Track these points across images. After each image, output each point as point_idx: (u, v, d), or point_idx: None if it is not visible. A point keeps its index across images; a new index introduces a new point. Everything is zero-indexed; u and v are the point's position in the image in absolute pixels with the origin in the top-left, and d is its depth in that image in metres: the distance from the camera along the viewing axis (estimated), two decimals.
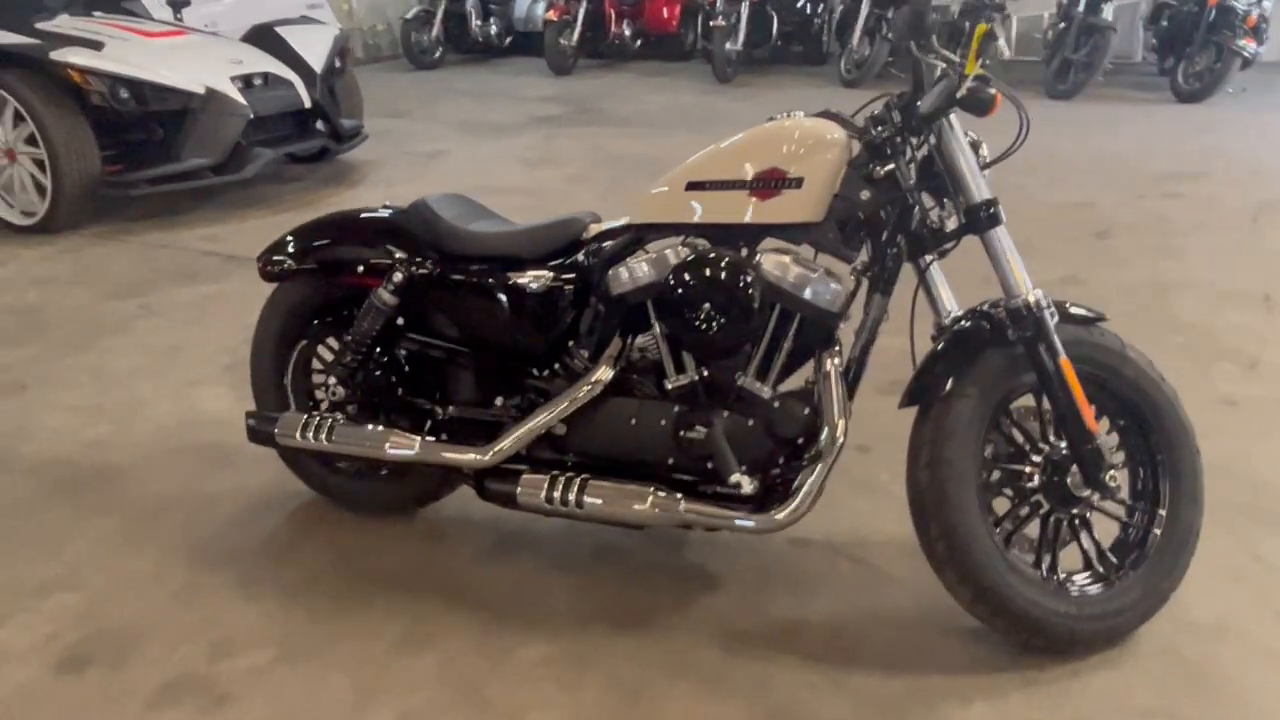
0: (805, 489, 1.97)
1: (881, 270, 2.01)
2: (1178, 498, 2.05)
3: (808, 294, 1.99)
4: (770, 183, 1.99)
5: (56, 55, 4.65)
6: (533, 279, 2.17)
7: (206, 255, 4.59)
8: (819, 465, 1.96)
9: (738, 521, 2.00)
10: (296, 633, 2.09)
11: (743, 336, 2.00)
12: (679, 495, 2.04)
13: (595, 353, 2.20)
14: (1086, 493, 1.96)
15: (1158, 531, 2.05)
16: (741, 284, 1.96)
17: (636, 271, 2.09)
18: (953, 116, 1.93)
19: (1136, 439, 2.07)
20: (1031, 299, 1.91)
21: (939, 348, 1.99)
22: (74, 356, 3.47)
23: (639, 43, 10.74)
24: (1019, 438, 2.03)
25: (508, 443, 2.14)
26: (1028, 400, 2.04)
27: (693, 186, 2.06)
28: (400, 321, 2.31)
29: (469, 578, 2.27)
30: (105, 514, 2.52)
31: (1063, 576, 2.02)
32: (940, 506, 1.91)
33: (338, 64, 5.90)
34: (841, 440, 1.97)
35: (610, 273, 2.12)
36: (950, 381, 1.94)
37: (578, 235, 2.20)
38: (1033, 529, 2.05)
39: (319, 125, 5.69)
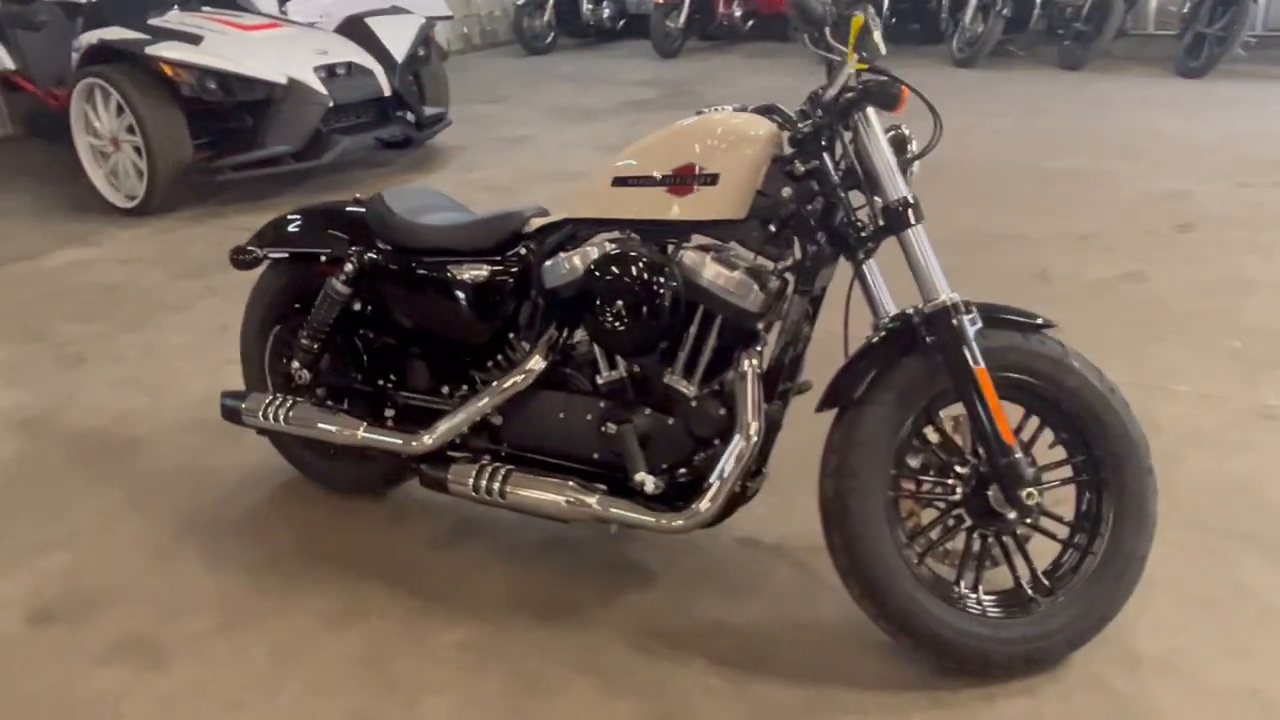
0: (711, 492, 1.94)
1: (801, 270, 1.95)
2: (1120, 520, 1.91)
3: (724, 293, 1.95)
4: (685, 179, 1.96)
5: (151, 50, 4.99)
6: (471, 271, 2.21)
7: None
8: (729, 467, 1.93)
9: (644, 520, 1.99)
10: (242, 604, 2.22)
11: (656, 334, 1.98)
12: (595, 491, 2.05)
13: (536, 345, 2.22)
14: (1009, 510, 1.86)
15: (1095, 555, 1.92)
16: (654, 282, 1.94)
17: (564, 266, 2.09)
18: (870, 111, 1.84)
19: (1081, 454, 1.94)
20: (947, 302, 1.81)
21: (857, 351, 1.92)
22: (133, 333, 3.75)
23: (750, 24, 10.58)
24: (944, 448, 1.93)
25: (441, 430, 2.20)
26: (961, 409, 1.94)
27: (618, 182, 2.05)
28: (362, 310, 2.39)
29: (417, 561, 2.35)
30: (114, 483, 2.73)
31: (981, 596, 1.92)
32: (843, 517, 1.85)
33: (421, 52, 6.09)
34: (755, 441, 1.92)
35: (544, 266, 2.14)
36: (862, 387, 1.87)
37: (519, 229, 2.22)
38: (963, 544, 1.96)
39: (400, 113, 5.88)
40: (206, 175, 5.24)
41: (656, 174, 1.99)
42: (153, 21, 5.57)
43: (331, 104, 5.36)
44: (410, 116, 5.90)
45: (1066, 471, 1.96)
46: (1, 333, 3.81)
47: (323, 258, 2.38)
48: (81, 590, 2.29)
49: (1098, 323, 3.45)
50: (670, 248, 2.02)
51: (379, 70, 5.69)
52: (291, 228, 2.45)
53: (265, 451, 2.73)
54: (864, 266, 1.93)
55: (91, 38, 5.26)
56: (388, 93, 5.70)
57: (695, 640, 2.05)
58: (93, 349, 3.63)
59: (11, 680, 2.02)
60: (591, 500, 2.04)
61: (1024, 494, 1.82)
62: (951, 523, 1.93)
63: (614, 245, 2.03)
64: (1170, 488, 2.42)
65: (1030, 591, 1.91)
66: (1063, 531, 1.98)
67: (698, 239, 2.04)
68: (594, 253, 2.03)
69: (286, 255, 2.44)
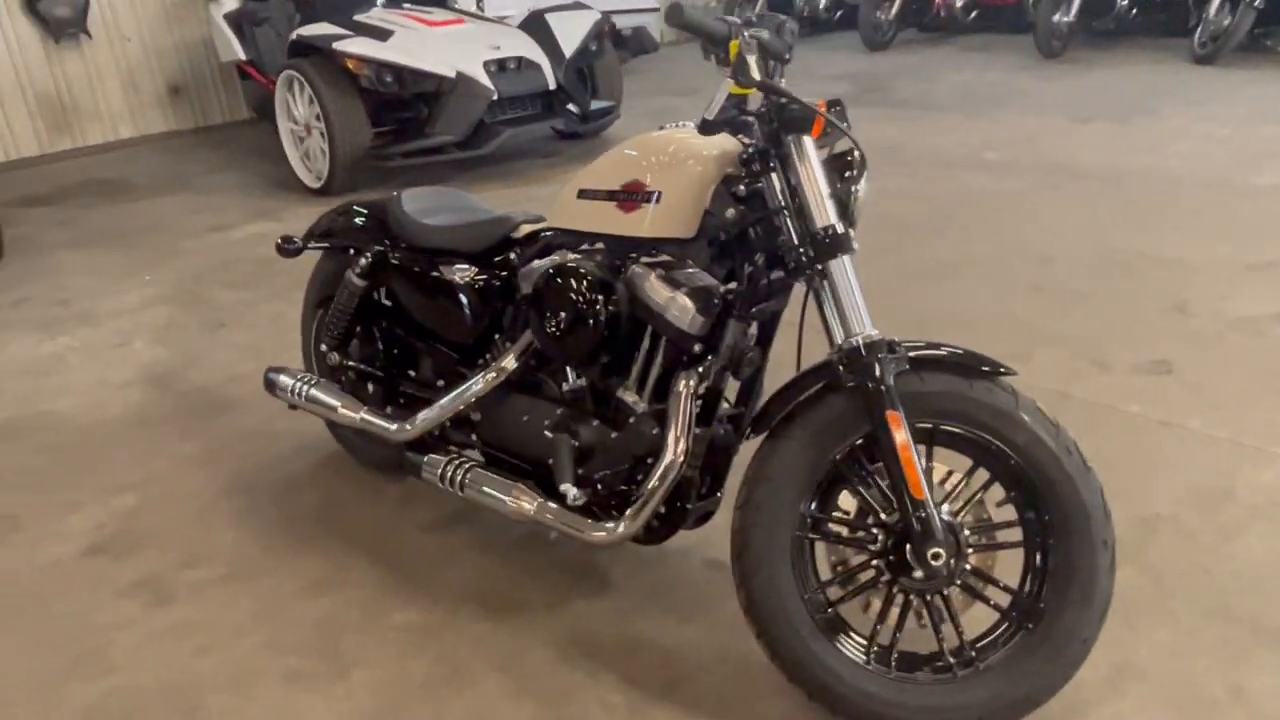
0: (632, 510, 1.94)
1: (739, 293, 1.89)
2: (1062, 595, 1.72)
3: (662, 312, 1.93)
4: (632, 195, 1.96)
5: (337, 46, 5.47)
6: (461, 272, 2.31)
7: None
8: (650, 485, 1.92)
9: (574, 529, 2.02)
10: (248, 560, 2.46)
11: (590, 346, 1.99)
12: (538, 496, 2.10)
13: (512, 348, 2.29)
14: (918, 569, 1.72)
15: (1030, 629, 1.74)
16: (590, 296, 1.95)
17: (531, 274, 2.14)
18: (804, 136, 1.76)
19: (1032, 515, 1.76)
20: (864, 340, 1.70)
21: (785, 383, 1.84)
22: (271, 303, 4.17)
23: (973, 14, 9.99)
24: (869, 494, 1.81)
25: (420, 420, 2.32)
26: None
27: (581, 194, 2.08)
28: (378, 302, 2.56)
29: (405, 542, 2.50)
30: (197, 438, 3.08)
31: (894, 656, 1.79)
32: (743, 552, 1.79)
33: (593, 47, 6.27)
34: (680, 461, 1.90)
35: (520, 272, 2.20)
36: (775, 420, 1.80)
37: (508, 234, 2.30)
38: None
39: (565, 106, 6.09)
40: (379, 161, 5.69)
41: (608, 189, 2.00)
42: (357, 17, 6.09)
43: (496, 96, 5.64)
44: (575, 109, 6.10)
45: (1018, 533, 1.79)
46: (172, 295, 4.36)
47: (351, 250, 2.56)
48: (133, 530, 2.62)
49: (1218, 365, 3.06)
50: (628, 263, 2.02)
51: (547, 64, 5.92)
52: (333, 221, 2.65)
53: (321, 424, 2.97)
54: (824, 292, 1.84)
55: (295, 34, 5.84)
56: (553, 86, 5.91)
57: (618, 656, 2.06)
58: (233, 315, 4.07)
59: (49, 601, 2.36)
60: (531, 505, 2.08)
61: (931, 553, 1.69)
62: (871, 574, 1.81)
63: (569, 258, 2.05)
64: (1211, 563, 2.18)
65: (950, 659, 1.77)
66: (1005, 599, 1.80)
67: (657, 257, 2.02)
68: (548, 263, 2.07)
69: (325, 246, 2.65)
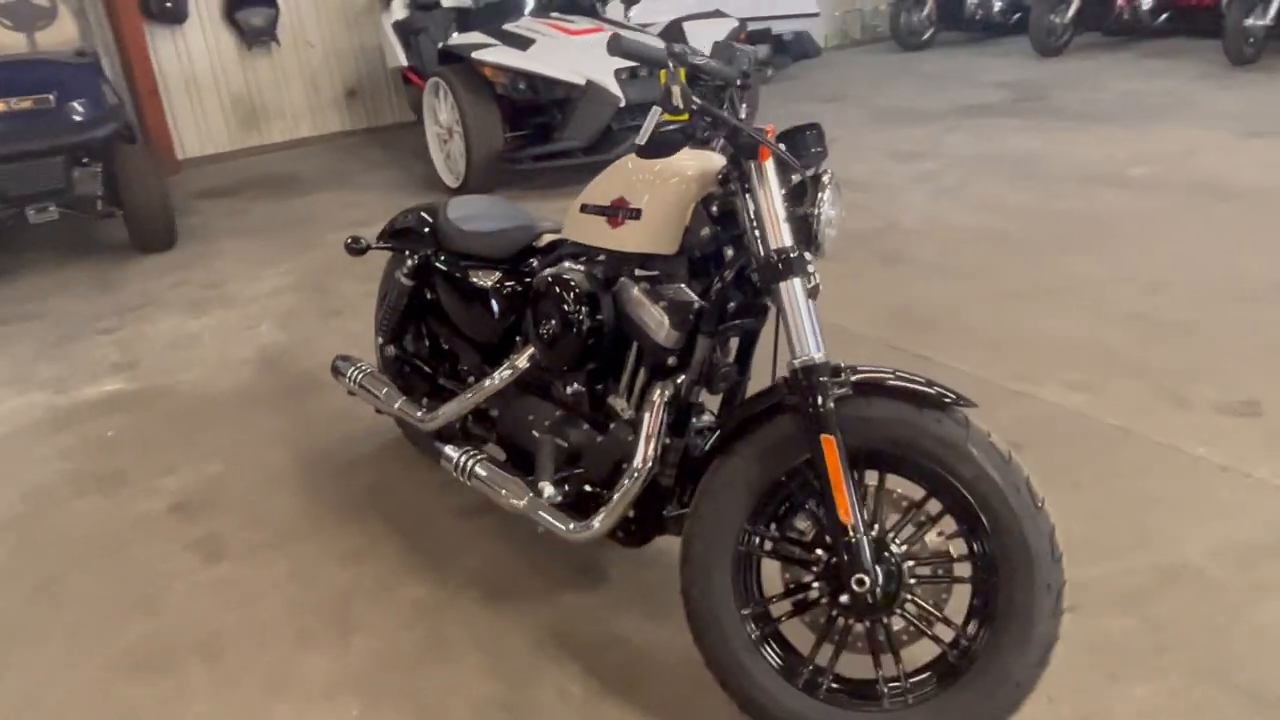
0: (600, 512, 2.03)
1: (707, 311, 1.94)
2: (999, 636, 1.69)
3: (641, 324, 2.02)
4: (618, 211, 2.04)
5: (476, 55, 5.79)
6: (486, 277, 2.46)
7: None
8: (619, 491, 2.00)
9: (554, 526, 2.13)
10: (297, 528, 2.71)
11: (574, 354, 2.09)
12: (528, 492, 2.22)
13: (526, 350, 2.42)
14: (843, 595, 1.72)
15: (965, 667, 1.71)
16: (575, 307, 2.06)
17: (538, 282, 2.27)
18: (766, 161, 1.79)
19: (980, 550, 1.73)
20: (804, 363, 1.72)
21: (742, 401, 1.88)
22: None
23: (1162, 16, 9.31)
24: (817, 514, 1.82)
25: (443, 412, 2.50)
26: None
27: (583, 208, 2.18)
28: (425, 301, 2.75)
29: (436, 524, 2.68)
30: (287, 415, 3.40)
31: (829, 679, 1.79)
32: (685, 560, 1.85)
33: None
34: (647, 466, 1.98)
35: (534, 279, 2.33)
36: (729, 437, 1.84)
37: (531, 242, 2.43)
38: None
39: None
40: (511, 163, 5.97)
41: (599, 204, 2.09)
42: (506, 26, 6.41)
43: (623, 104, 5.80)
44: None
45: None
46: (300, 284, 4.77)
47: (405, 251, 2.76)
48: (211, 493, 2.94)
49: None
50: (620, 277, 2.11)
51: None
52: (397, 223, 2.87)
53: None
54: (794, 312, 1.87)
55: (441, 43, 6.22)
56: None
57: (589, 650, 2.15)
58: (351, 305, 4.42)
59: (128, 547, 2.69)
60: (521, 500, 2.21)
61: (855, 579, 1.69)
62: (814, 595, 1.82)
63: (564, 269, 2.16)
64: (1226, 623, 2.08)
65: (884, 689, 1.76)
66: (949, 634, 1.77)
67: (650, 272, 2.10)
68: (548, 273, 2.19)
69: (386, 246, 2.87)
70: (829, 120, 7.37)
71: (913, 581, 1.76)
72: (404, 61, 7.17)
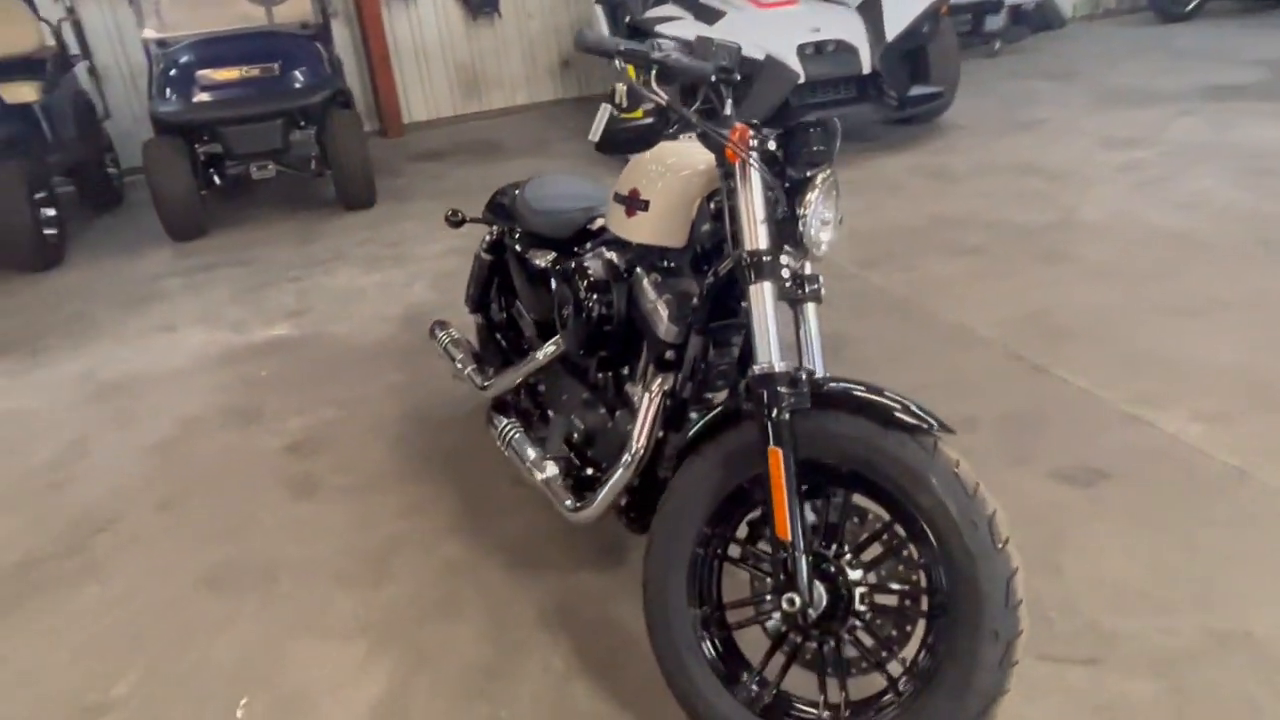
0: (596, 495, 2.08)
1: (698, 307, 1.91)
2: (937, 677, 1.58)
3: (646, 316, 2.03)
4: (632, 202, 2.05)
5: (657, 28, 5.84)
6: (541, 257, 2.53)
7: None
8: (612, 477, 2.04)
9: (556, 504, 2.19)
10: (379, 478, 2.94)
11: (585, 339, 2.13)
12: (547, 469, 2.29)
13: None
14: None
15: (900, 704, 1.61)
16: (587, 295, 2.10)
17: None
18: (752, 159, 1.74)
19: (936, 585, 1.62)
20: (761, 370, 1.67)
21: (718, 404, 1.85)
22: None
23: None
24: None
25: (497, 382, 2.62)
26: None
27: (615, 197, 2.19)
28: (504, 274, 2.87)
29: (494, 489, 2.81)
30: (410, 370, 3.65)
31: (770, 692, 1.74)
32: (647, 555, 1.86)
33: (925, 29, 5.99)
34: (639, 457, 2.00)
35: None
36: (696, 438, 1.82)
37: (586, 225, 2.47)
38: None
39: (879, 91, 5.91)
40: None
41: (621, 192, 2.10)
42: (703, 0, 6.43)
43: (802, 79, 5.66)
44: (892, 95, 5.91)
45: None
46: (467, 248, 5.01)
47: (492, 225, 2.89)
48: (322, 437, 3.23)
49: None
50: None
51: (865, 48, 5.80)
52: (493, 198, 2.99)
53: None
54: (803, 312, 1.83)
55: (629, 17, 6.31)
56: (867, 70, 5.78)
57: (583, 628, 2.21)
58: None
59: (241, 477, 3.03)
60: (538, 475, 2.28)
61: (786, 598, 1.63)
62: (766, 607, 1.78)
63: (587, 256, 2.20)
64: (1272, 702, 1.79)
65: (822, 713, 1.69)
66: (899, 668, 1.68)
67: (668, 265, 2.09)
68: (582, 258, 2.23)
69: (478, 220, 3.00)
70: (1046, 99, 6.83)
71: (863, 608, 1.68)
72: (606, 33, 7.34)
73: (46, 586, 2.57)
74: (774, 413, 1.65)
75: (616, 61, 1.76)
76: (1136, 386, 2.93)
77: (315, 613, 2.36)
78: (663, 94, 1.77)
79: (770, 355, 1.69)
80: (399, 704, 2.05)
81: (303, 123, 5.88)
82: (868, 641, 1.69)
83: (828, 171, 1.78)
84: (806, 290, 1.82)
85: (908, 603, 1.67)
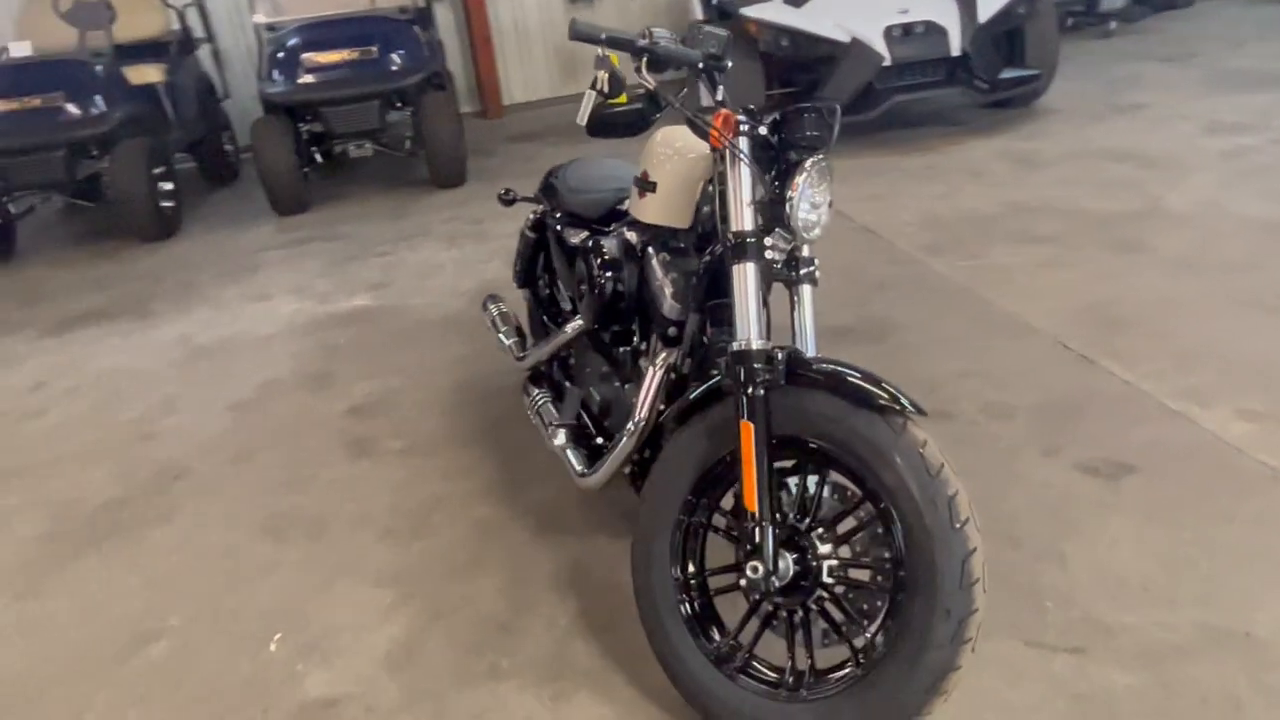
0: (600, 462, 2.18)
1: (694, 287, 1.99)
2: (892, 653, 1.63)
3: (653, 293, 2.11)
4: (643, 183, 2.13)
5: (744, 10, 5.85)
6: (573, 235, 2.64)
7: None
8: (616, 444, 2.14)
9: (570, 469, 2.31)
10: (428, 444, 3.11)
11: (599, 311, 2.23)
12: (561, 435, 2.40)
13: None
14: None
15: (859, 675, 1.67)
16: (598, 271, 2.20)
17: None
18: (742, 142, 1.80)
19: (899, 556, 1.67)
20: (740, 347, 1.74)
21: (712, 378, 1.92)
22: None
23: None
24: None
25: (528, 356, 2.75)
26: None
27: (635, 179, 2.28)
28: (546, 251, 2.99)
29: (535, 455, 2.93)
30: (470, 344, 3.83)
31: (741, 656, 1.82)
32: (637, 519, 1.95)
33: (1020, 10, 5.82)
34: (640, 428, 2.10)
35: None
36: (685, 410, 1.90)
37: (615, 205, 2.57)
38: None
39: (970, 74, 5.78)
40: None
41: (636, 176, 2.19)
42: None
43: (888, 62, 5.59)
44: (982, 78, 5.77)
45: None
46: None
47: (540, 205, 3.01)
48: (383, 402, 3.44)
49: None
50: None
51: (956, 30, 5.67)
52: (543, 179, 3.12)
53: None
54: (799, 294, 1.90)
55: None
56: (956, 52, 5.66)
57: (591, 591, 2.32)
58: None
59: (308, 436, 3.25)
60: (555, 441, 2.40)
61: (750, 565, 1.70)
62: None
63: (608, 234, 2.30)
64: (1258, 702, 1.78)
65: (787, 679, 1.76)
66: (863, 641, 1.73)
67: (678, 244, 2.17)
68: (595, 238, 2.33)
69: (526, 199, 3.13)
70: (1153, 83, 6.54)
71: (830, 581, 1.73)
72: (699, 16, 7.37)
73: (127, 526, 2.84)
74: (749, 388, 1.71)
75: (599, 50, 1.84)
76: (1186, 381, 2.86)
77: (353, 562, 2.54)
78: (650, 80, 1.85)
79: (749, 333, 1.75)
80: (412, 648, 2.20)
81: (399, 104, 6.15)
82: (836, 614, 1.75)
83: (819, 156, 1.83)
84: (801, 273, 1.88)
85: (877, 578, 1.71)
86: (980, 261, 3.95)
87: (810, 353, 1.88)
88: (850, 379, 1.69)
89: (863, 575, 1.73)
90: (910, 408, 1.64)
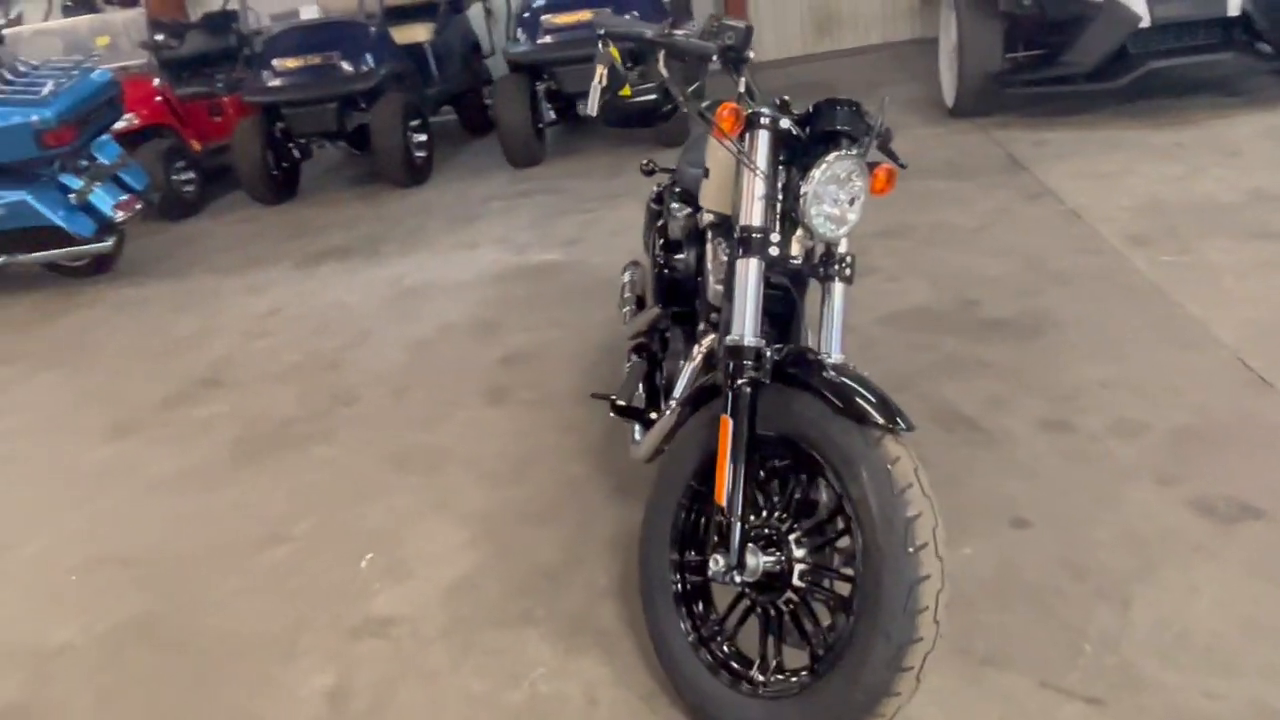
0: (645, 436, 2.26)
1: (727, 272, 1.99)
2: (835, 665, 1.61)
3: (705, 279, 2.14)
4: (705, 170, 2.14)
5: None
6: (679, 211, 2.68)
7: (1012, 154, 5.03)
8: (660, 419, 2.21)
9: (630, 438, 2.40)
10: (553, 398, 3.31)
11: (664, 290, 2.29)
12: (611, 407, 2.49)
13: None
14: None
15: (805, 675, 1.66)
16: (664, 250, 2.27)
17: None
18: (762, 136, 1.78)
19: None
20: (730, 343, 1.74)
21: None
22: None
23: None
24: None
25: (634, 323, 2.83)
26: None
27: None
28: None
29: (590, 442, 2.99)
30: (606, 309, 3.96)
31: (722, 643, 1.84)
32: (645, 506, 2.01)
33: None
34: (675, 410, 2.15)
35: None
36: (697, 396, 1.93)
37: None
38: None
39: (1252, 38, 5.03)
40: (1006, 88, 5.56)
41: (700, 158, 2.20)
42: None
43: (1145, 23, 5.00)
44: (1267, 44, 5.01)
45: None
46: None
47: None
48: (533, 353, 3.67)
49: None
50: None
51: None
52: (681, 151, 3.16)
53: None
54: (829, 291, 1.89)
55: None
56: (1234, 12, 4.95)
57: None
58: None
59: (456, 376, 3.56)
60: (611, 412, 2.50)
61: (714, 559, 1.71)
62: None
63: (684, 217, 2.34)
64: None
65: (752, 673, 1.77)
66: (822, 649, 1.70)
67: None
68: (664, 217, 2.38)
69: (661, 170, 3.18)
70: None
71: (800, 585, 1.72)
72: None
73: (289, 442, 3.29)
74: (734, 384, 1.72)
75: (600, 44, 1.86)
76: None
77: (450, 499, 2.80)
78: (664, 72, 1.85)
79: (744, 328, 1.75)
80: (471, 585, 2.41)
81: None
82: (805, 617, 1.73)
83: (842, 153, 1.76)
84: (830, 270, 1.84)
85: (834, 589, 1.68)
86: (1188, 258, 3.51)
87: (835, 353, 1.84)
88: (836, 384, 1.65)
89: (829, 584, 1.70)
90: (897, 423, 1.58)
